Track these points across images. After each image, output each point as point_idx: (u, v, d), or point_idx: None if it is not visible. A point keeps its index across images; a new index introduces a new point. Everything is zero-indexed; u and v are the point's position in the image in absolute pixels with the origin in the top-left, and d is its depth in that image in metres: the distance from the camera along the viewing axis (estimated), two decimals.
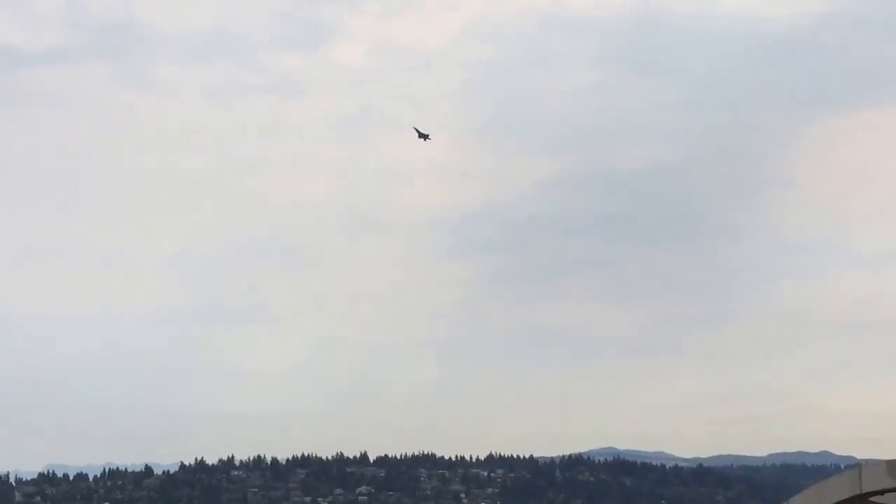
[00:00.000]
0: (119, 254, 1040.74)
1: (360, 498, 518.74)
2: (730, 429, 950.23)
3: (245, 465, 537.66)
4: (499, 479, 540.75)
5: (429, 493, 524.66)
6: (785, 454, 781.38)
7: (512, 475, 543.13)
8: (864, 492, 51.97)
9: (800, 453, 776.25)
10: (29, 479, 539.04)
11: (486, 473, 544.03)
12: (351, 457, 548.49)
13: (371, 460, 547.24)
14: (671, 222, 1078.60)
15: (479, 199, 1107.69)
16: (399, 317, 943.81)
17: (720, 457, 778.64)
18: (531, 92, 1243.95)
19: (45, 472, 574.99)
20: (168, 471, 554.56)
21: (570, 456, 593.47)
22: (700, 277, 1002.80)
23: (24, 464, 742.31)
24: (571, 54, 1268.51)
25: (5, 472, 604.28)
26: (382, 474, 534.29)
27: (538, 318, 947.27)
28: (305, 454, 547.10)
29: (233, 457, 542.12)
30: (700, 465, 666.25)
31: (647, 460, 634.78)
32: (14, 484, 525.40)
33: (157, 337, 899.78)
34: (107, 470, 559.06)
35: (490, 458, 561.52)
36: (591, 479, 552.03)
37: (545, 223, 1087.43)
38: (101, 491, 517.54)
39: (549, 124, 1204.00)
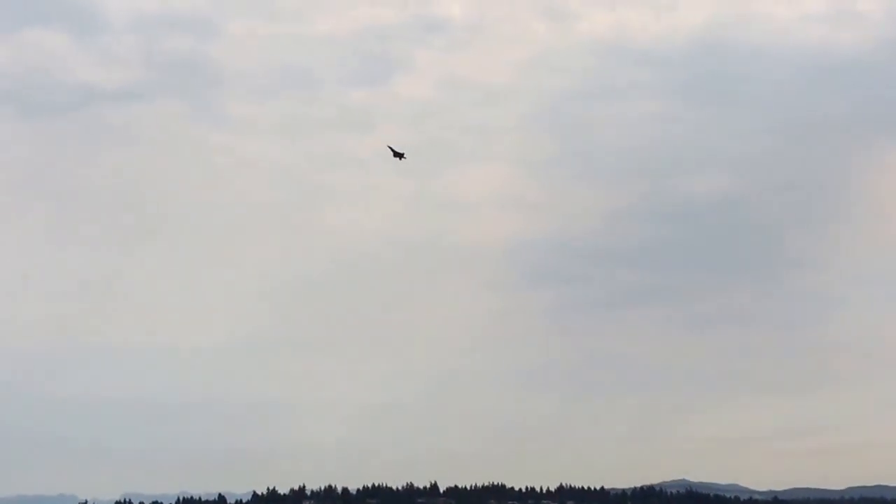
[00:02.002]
0: (191, 287, 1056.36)
1: None
2: (805, 461, 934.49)
3: (316, 495, 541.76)
4: None
5: None
6: (864, 487, 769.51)
7: None
8: None
9: (879, 486, 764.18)
10: None
11: None
12: (421, 487, 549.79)
13: (441, 491, 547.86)
14: (738, 251, 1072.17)
15: (544, 229, 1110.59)
16: (467, 348, 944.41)
17: (796, 489, 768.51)
18: (596, 123, 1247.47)
19: (122, 499, 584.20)
20: (241, 500, 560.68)
21: (642, 488, 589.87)
22: (773, 308, 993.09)
23: (102, 492, 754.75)
24: (636, 85, 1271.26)
25: (84, 500, 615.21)
26: None
27: (607, 349, 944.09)
28: (376, 484, 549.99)
29: (304, 486, 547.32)
30: (775, 498, 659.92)
31: (721, 493, 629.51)
32: None
33: (231, 369, 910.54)
34: (181, 499, 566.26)
35: (560, 489, 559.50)
36: None
37: (612, 253, 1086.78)
38: None
39: (615, 155, 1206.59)
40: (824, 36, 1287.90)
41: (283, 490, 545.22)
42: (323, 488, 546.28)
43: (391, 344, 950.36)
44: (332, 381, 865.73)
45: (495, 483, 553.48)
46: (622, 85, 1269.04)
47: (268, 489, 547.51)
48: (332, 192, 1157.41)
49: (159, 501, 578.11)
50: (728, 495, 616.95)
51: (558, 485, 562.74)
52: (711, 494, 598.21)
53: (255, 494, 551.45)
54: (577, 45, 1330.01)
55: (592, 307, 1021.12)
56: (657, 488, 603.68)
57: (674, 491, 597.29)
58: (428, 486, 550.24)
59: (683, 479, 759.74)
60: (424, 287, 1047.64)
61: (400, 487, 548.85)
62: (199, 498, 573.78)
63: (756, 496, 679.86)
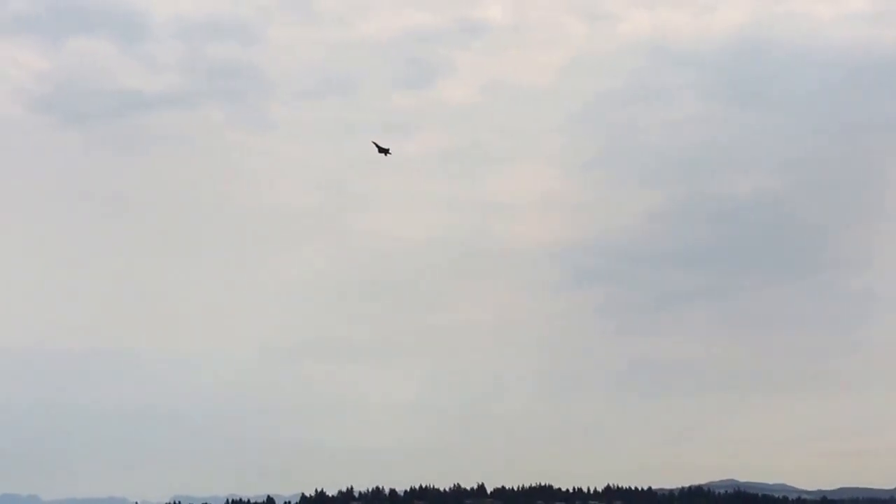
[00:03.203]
0: (237, 290, 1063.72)
1: None
2: (853, 460, 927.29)
3: (364, 497, 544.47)
4: None
5: None
6: None
7: None
8: None
9: None
10: None
11: None
12: (468, 488, 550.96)
13: (488, 492, 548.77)
14: (783, 251, 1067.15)
15: (586, 231, 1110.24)
16: (512, 349, 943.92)
17: (844, 489, 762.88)
18: (636, 124, 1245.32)
19: (173, 501, 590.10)
20: (289, 502, 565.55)
21: (689, 488, 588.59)
22: (818, 308, 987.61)
23: (153, 494, 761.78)
24: (677, 86, 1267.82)
25: (134, 501, 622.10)
26: None
27: (653, 349, 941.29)
28: (423, 486, 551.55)
29: (352, 488, 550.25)
30: (824, 498, 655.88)
31: (769, 492, 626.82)
32: None
33: (278, 372, 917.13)
34: (230, 501, 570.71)
35: (608, 489, 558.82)
36: None
37: (656, 254, 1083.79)
38: None
39: (655, 156, 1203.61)
40: (865, 35, 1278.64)
41: (331, 492, 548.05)
42: (370, 490, 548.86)
43: (437, 346, 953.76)
44: (378, 384, 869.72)
45: (542, 484, 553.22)
46: (663, 86, 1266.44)
47: (316, 491, 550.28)
48: (376, 195, 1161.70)
49: (209, 503, 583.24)
50: (776, 495, 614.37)
51: (605, 485, 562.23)
52: (759, 494, 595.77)
53: (303, 496, 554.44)
54: (618, 46, 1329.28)
55: (638, 308, 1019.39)
56: (705, 488, 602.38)
57: (721, 491, 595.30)
58: (475, 487, 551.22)
59: (731, 480, 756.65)
60: (469, 289, 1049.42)
61: (447, 489, 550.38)
62: (248, 500, 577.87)
63: (804, 496, 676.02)
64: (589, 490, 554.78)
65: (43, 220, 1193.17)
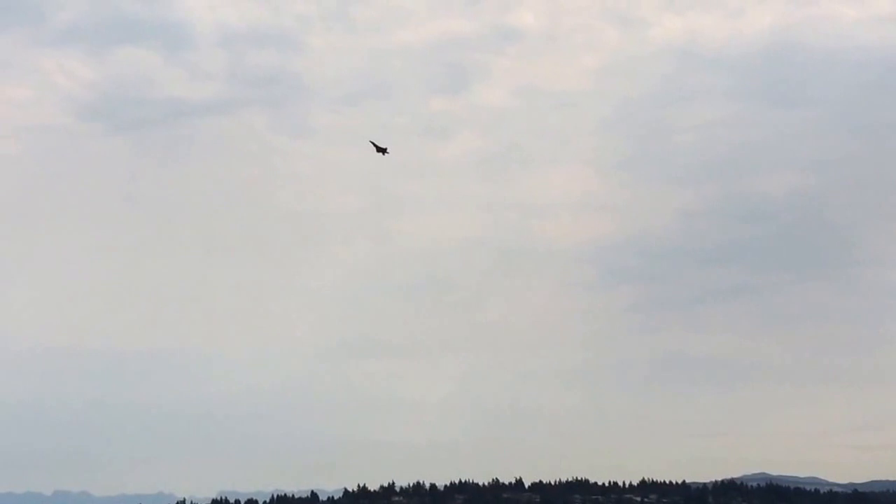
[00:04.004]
0: (280, 291, 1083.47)
1: None
2: (885, 453, 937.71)
3: (405, 492, 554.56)
4: None
5: None
6: None
7: (665, 501, 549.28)
8: None
9: None
10: None
11: (639, 499, 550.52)
12: (507, 482, 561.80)
13: (526, 486, 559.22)
14: (814, 249, 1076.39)
15: (621, 230, 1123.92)
16: (547, 346, 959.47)
17: (877, 482, 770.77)
18: (669, 126, 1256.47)
19: (218, 497, 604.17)
20: (332, 497, 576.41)
21: (722, 481, 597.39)
22: (849, 304, 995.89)
23: (200, 489, 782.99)
24: (707, 89, 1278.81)
25: (182, 498, 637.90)
26: (538, 500, 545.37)
27: (686, 346, 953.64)
28: (463, 480, 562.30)
29: (393, 483, 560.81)
30: (855, 491, 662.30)
31: (801, 486, 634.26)
32: None
33: (320, 370, 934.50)
34: (275, 496, 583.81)
35: (643, 483, 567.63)
36: None
37: (687, 253, 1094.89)
38: None
39: (689, 156, 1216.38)
40: (894, 36, 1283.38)
41: (372, 487, 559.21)
42: (412, 485, 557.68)
43: (476, 344, 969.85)
44: (418, 381, 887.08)
45: (579, 478, 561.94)
46: (695, 88, 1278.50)
47: (358, 486, 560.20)
48: (414, 198, 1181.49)
49: (254, 499, 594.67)
50: (808, 488, 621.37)
51: (640, 479, 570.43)
52: (792, 487, 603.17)
53: (346, 491, 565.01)
54: (650, 50, 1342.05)
55: (672, 305, 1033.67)
56: (738, 482, 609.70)
57: (754, 484, 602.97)
58: (513, 481, 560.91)
59: (763, 473, 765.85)
60: (507, 288, 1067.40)
61: (486, 483, 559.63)
62: (293, 495, 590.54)
63: (836, 489, 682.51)
64: (624, 484, 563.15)
65: (91, 224, 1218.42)
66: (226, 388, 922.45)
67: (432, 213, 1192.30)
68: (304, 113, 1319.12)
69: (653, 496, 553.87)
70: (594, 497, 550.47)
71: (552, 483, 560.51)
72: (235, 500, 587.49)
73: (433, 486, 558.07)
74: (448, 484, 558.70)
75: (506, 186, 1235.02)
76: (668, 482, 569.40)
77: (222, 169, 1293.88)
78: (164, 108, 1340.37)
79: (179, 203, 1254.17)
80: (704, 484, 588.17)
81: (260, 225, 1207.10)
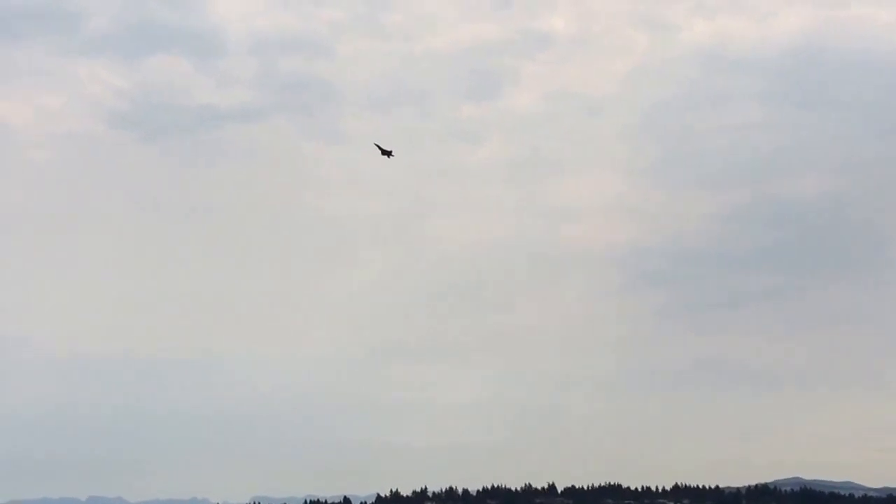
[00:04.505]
0: (310, 296, 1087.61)
1: None
2: None
3: (438, 497, 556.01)
4: None
5: None
6: None
7: None
8: None
9: None
10: None
11: None
12: (539, 487, 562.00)
13: (559, 491, 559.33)
14: (844, 251, 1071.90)
15: (650, 234, 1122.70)
16: (580, 350, 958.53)
17: None
18: (699, 130, 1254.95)
19: (252, 502, 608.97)
20: (365, 502, 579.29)
21: (756, 486, 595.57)
22: (881, 306, 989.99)
23: (233, 494, 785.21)
24: (737, 92, 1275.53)
25: (216, 502, 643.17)
26: None
27: (719, 349, 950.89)
28: (495, 485, 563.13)
29: (426, 488, 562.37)
30: (890, 496, 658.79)
31: (836, 490, 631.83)
32: None
33: (353, 374, 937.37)
34: (308, 501, 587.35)
35: (676, 488, 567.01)
36: None
37: (717, 256, 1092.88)
38: None
39: (718, 160, 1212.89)
40: None
41: (405, 492, 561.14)
42: (444, 490, 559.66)
43: (508, 348, 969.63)
44: (450, 386, 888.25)
45: (612, 483, 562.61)
46: (725, 92, 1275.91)
47: (391, 491, 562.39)
48: (445, 202, 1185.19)
49: (287, 503, 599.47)
50: (843, 493, 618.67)
51: (674, 484, 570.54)
52: (826, 492, 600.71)
53: (378, 496, 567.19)
54: (680, 54, 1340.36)
55: (702, 309, 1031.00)
56: (771, 486, 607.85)
57: (788, 489, 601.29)
58: (546, 486, 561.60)
59: (797, 478, 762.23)
60: (538, 292, 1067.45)
61: (519, 488, 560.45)
62: (325, 500, 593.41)
63: (871, 493, 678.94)
64: (657, 489, 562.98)
65: (124, 231, 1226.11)
66: (258, 392, 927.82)
67: (462, 217, 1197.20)
68: (334, 119, 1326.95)
69: (686, 501, 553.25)
70: (627, 502, 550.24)
71: (585, 488, 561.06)
72: None
73: (465, 491, 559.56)
74: (480, 489, 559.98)
75: (536, 191, 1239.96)
76: (701, 487, 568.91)
77: (253, 175, 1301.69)
78: (194, 115, 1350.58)
79: (210, 209, 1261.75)
80: (738, 488, 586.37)
81: (290, 230, 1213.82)
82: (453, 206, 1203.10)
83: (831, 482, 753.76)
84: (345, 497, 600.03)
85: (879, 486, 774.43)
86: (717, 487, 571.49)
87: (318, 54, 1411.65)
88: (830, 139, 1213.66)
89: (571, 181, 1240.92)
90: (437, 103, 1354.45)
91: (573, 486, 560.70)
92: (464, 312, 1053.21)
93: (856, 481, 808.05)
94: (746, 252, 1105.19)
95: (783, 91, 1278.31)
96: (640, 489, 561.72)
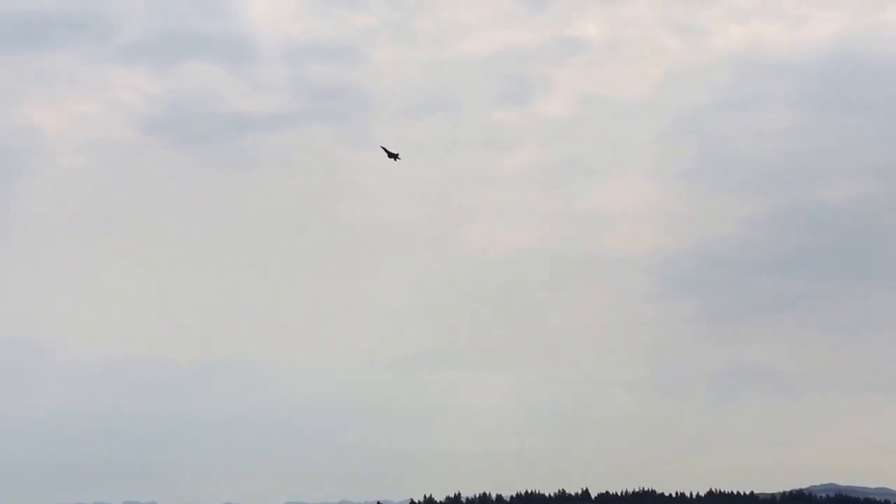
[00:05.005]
0: (343, 302, 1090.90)
1: None
2: None
3: (471, 502, 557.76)
4: None
5: None
6: None
7: None
8: None
9: None
10: None
11: None
12: (573, 493, 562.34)
13: (592, 497, 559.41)
14: (877, 257, 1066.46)
15: (683, 240, 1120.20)
16: (612, 356, 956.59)
17: None
18: (731, 135, 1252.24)
19: None
20: None
21: (791, 492, 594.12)
22: None
23: (267, 499, 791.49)
24: (770, 97, 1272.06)
25: None
26: None
27: (752, 355, 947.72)
28: (529, 491, 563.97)
29: (459, 494, 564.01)
30: None
31: (870, 496, 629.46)
32: None
33: (387, 380, 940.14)
34: None
35: (710, 494, 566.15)
36: None
37: (749, 262, 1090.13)
38: None
39: (750, 165, 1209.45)
40: None
41: (439, 497, 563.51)
42: (477, 495, 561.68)
43: (541, 353, 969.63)
44: (483, 391, 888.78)
45: (646, 489, 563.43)
46: (757, 96, 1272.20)
47: (424, 496, 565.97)
48: (478, 208, 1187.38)
49: None
50: (878, 499, 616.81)
51: (708, 490, 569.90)
52: (861, 498, 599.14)
53: (411, 501, 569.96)
54: (712, 59, 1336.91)
55: (735, 314, 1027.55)
56: (806, 493, 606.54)
57: (823, 495, 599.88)
58: (579, 492, 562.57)
59: (832, 484, 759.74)
60: (571, 297, 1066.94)
61: (552, 494, 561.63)
62: None
63: None
64: (691, 495, 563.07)
65: (158, 237, 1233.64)
66: (292, 398, 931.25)
67: (495, 223, 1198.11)
68: (366, 125, 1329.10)
69: None
70: None
71: (619, 494, 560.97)
72: None
73: (499, 496, 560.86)
74: (514, 495, 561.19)
75: (568, 196, 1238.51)
76: (736, 493, 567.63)
77: (286, 181, 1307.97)
78: (227, 121, 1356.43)
79: (244, 216, 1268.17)
80: (773, 495, 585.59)
81: (324, 236, 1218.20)
82: (485, 212, 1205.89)
83: (866, 488, 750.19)
84: (378, 502, 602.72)
85: None
86: (751, 493, 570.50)
87: (350, 60, 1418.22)
88: (864, 144, 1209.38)
89: (603, 186, 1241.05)
90: (469, 109, 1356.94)
91: (607, 492, 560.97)
92: (496, 318, 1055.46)
93: (891, 487, 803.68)
94: (779, 257, 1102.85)
95: (816, 96, 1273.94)
96: (674, 495, 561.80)
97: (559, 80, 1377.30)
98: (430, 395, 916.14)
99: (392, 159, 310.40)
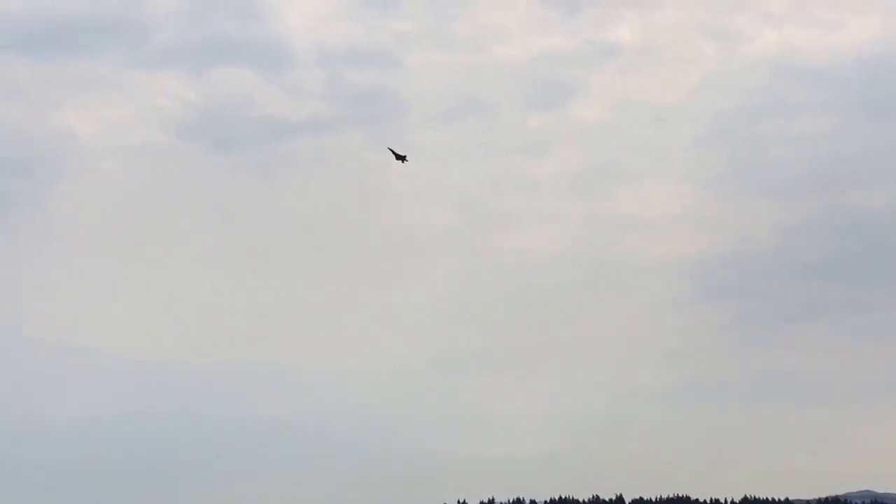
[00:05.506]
0: (377, 306, 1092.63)
1: None
2: None
3: None
4: None
5: None
6: None
7: None
8: None
9: None
10: None
11: None
12: (607, 499, 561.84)
13: (627, 502, 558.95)
14: None
15: (718, 245, 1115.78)
16: (646, 361, 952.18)
17: None
18: (767, 140, 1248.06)
19: None
20: None
21: (826, 499, 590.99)
22: None
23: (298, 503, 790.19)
24: (806, 102, 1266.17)
25: None
26: None
27: (788, 361, 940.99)
28: (563, 496, 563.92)
29: (493, 499, 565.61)
30: None
31: None
32: None
33: (419, 385, 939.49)
34: None
35: (745, 500, 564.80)
36: None
37: (785, 268, 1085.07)
38: None
39: (786, 170, 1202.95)
40: None
41: (473, 502, 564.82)
42: (512, 500, 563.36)
43: (573, 358, 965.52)
44: (516, 396, 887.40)
45: (680, 495, 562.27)
46: (793, 102, 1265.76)
47: (458, 501, 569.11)
48: (512, 213, 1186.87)
49: None
50: None
51: (742, 496, 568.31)
52: None
53: None
54: (747, 64, 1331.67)
55: (771, 320, 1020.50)
56: (842, 499, 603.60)
57: (859, 502, 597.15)
58: (613, 498, 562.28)
59: (868, 490, 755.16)
60: (605, 302, 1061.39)
61: (586, 499, 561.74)
62: None
63: None
64: (726, 501, 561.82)
65: (192, 241, 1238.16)
66: (325, 403, 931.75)
67: (529, 228, 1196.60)
68: (401, 130, 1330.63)
69: None
70: None
71: (653, 500, 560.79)
72: None
73: (533, 501, 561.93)
74: (548, 500, 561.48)
75: (602, 201, 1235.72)
76: (770, 499, 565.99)
77: (320, 186, 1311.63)
78: (262, 126, 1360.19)
79: (278, 220, 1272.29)
80: (808, 501, 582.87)
81: (359, 241, 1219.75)
82: (521, 217, 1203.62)
83: None
84: None
85: None
86: (787, 500, 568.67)
87: (386, 65, 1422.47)
88: None
89: (638, 191, 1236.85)
90: (504, 114, 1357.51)
91: (641, 498, 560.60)
92: (531, 323, 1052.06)
93: None
94: (815, 263, 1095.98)
95: (852, 101, 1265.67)
96: (709, 501, 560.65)
97: (594, 84, 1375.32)
98: (464, 400, 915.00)
99: (400, 161, 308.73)
